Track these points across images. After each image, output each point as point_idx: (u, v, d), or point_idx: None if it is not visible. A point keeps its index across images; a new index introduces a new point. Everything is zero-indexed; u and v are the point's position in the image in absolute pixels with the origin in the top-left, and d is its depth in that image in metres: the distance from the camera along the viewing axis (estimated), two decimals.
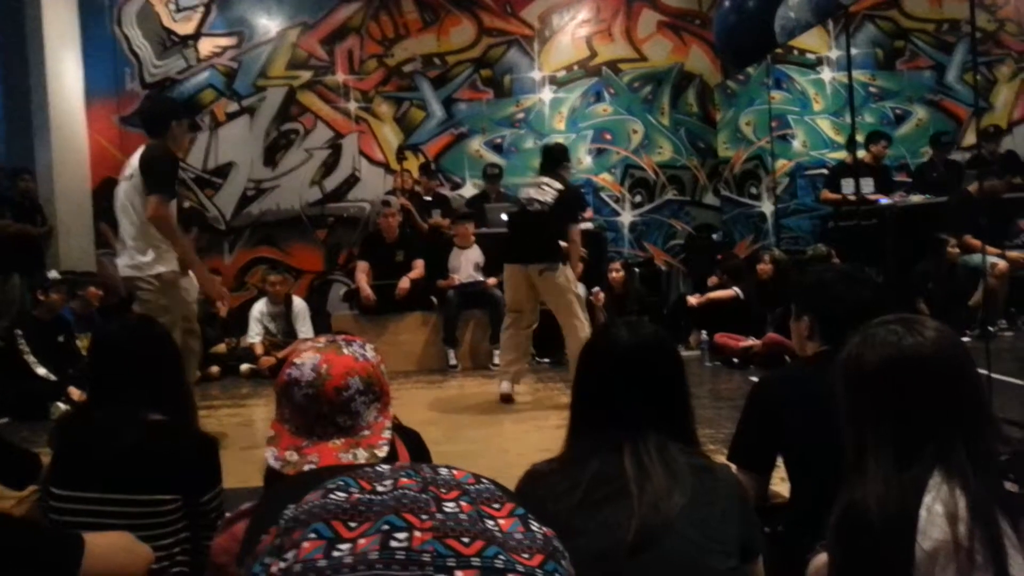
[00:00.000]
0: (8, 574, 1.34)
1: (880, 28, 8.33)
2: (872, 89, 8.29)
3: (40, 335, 5.52)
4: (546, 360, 6.46)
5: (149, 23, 8.19)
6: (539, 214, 4.87)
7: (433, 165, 8.03)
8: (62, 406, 5.09)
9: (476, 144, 8.36)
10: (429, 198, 7.67)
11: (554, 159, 5.11)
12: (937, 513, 1.18)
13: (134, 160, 3.89)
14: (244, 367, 6.64)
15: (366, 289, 6.68)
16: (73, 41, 7.87)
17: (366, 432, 1.32)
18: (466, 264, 6.94)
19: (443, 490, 0.52)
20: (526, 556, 0.49)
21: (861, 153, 7.21)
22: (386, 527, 0.48)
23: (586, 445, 1.47)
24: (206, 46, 8.19)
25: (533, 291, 4.95)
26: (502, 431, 4.43)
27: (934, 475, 1.22)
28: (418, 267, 6.83)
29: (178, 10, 8.22)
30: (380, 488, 0.52)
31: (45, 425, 4.53)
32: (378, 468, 0.54)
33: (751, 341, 5.94)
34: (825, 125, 8.19)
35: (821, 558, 1.47)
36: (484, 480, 0.55)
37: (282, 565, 0.48)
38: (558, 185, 4.93)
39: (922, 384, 1.27)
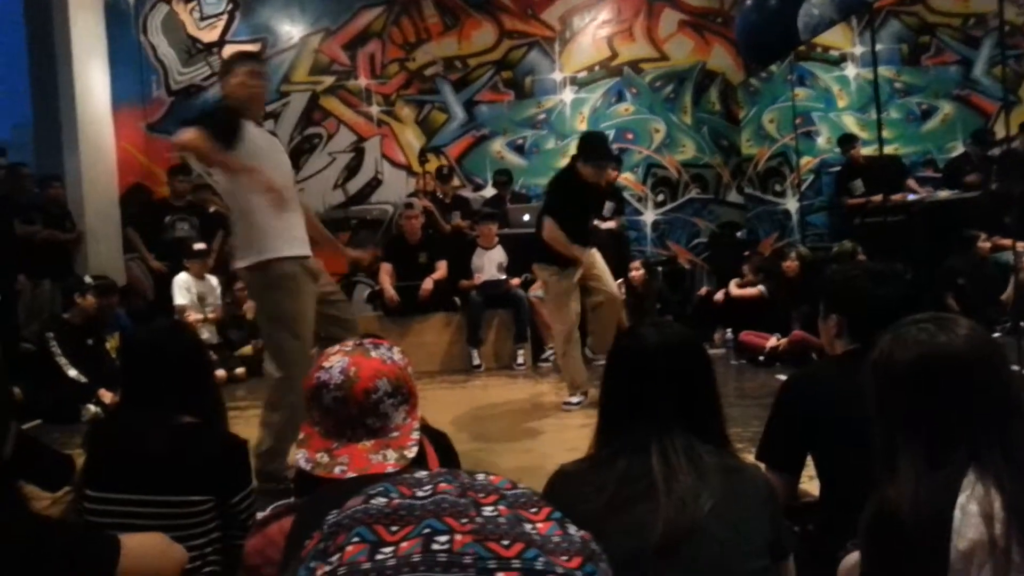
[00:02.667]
0: (46, 574, 1.36)
1: (905, 23, 8.23)
2: (897, 85, 8.19)
3: (71, 338, 5.60)
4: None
5: (174, 31, 8.29)
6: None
7: (446, 170, 7.99)
8: (93, 408, 5.16)
9: (498, 145, 8.37)
10: (448, 200, 7.69)
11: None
12: (972, 513, 1.17)
13: None
14: None
15: (390, 291, 6.72)
16: (100, 50, 7.98)
17: (395, 434, 1.33)
18: (489, 264, 6.95)
19: (481, 495, 0.53)
20: (565, 558, 0.50)
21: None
22: (427, 530, 0.49)
23: (614, 445, 1.46)
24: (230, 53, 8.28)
25: None
26: (527, 431, 4.43)
27: (968, 474, 1.20)
28: (441, 268, 6.84)
29: (202, 18, 8.32)
30: (420, 493, 0.53)
31: (77, 427, 4.59)
32: (416, 475, 0.56)
33: (777, 339, 5.89)
34: (850, 122, 8.10)
35: (853, 557, 1.46)
36: (520, 486, 0.56)
37: (327, 568, 0.49)
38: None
39: (955, 383, 1.25)
